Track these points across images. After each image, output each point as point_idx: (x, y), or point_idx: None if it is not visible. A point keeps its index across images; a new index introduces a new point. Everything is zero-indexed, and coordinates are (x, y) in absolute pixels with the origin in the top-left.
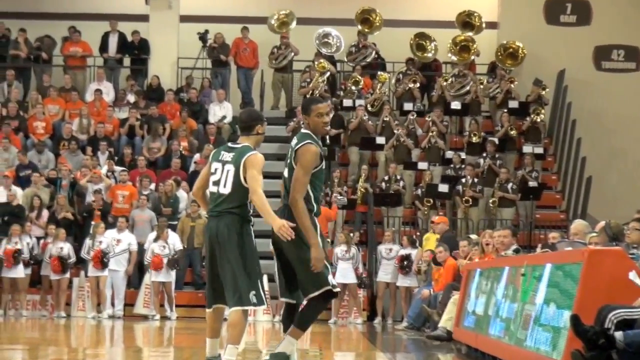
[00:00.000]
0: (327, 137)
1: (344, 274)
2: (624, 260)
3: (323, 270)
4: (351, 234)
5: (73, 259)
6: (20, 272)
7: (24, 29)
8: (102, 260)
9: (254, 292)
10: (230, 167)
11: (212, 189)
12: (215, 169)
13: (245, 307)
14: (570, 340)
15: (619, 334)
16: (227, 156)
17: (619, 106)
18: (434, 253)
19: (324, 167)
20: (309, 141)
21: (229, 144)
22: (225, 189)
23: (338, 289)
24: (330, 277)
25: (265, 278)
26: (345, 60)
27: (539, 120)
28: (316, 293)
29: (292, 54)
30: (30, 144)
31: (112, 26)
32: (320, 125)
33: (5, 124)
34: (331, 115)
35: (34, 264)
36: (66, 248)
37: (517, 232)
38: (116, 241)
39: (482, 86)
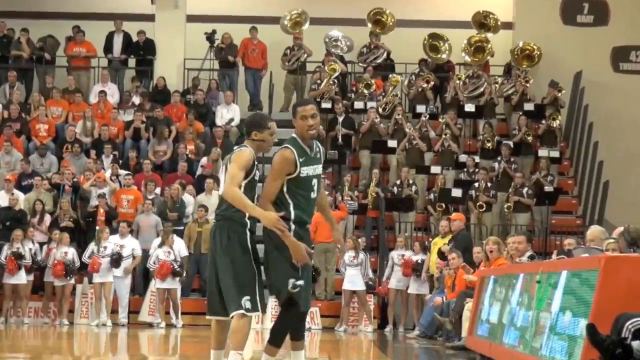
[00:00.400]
0: (339, 139)
1: (352, 280)
2: None
3: (286, 278)
4: (359, 240)
5: (77, 264)
6: (22, 278)
7: (26, 28)
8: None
9: (247, 297)
10: (224, 169)
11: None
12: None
13: (239, 312)
14: (587, 350)
15: (636, 344)
16: (227, 159)
17: (637, 109)
18: (442, 255)
19: (307, 173)
20: (285, 146)
21: (234, 148)
22: (221, 191)
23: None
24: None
25: None
26: (356, 61)
27: (555, 125)
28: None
29: (305, 55)
30: (32, 147)
31: (116, 26)
32: (305, 128)
33: (7, 126)
34: (317, 118)
35: (36, 270)
36: (70, 253)
37: (532, 238)
38: (119, 247)
39: (496, 85)
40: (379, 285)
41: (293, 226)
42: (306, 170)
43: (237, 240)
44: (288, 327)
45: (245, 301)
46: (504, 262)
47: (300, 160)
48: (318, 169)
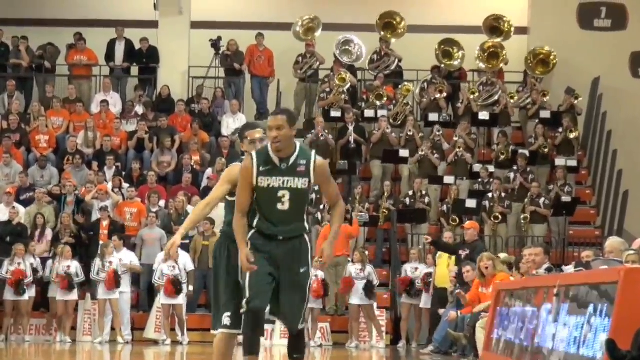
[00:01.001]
0: (351, 143)
1: (358, 294)
2: None
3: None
4: (366, 252)
5: (82, 277)
6: (23, 294)
7: (26, 36)
8: (116, 280)
9: (228, 314)
10: None
11: None
12: None
13: (217, 330)
14: None
15: None
16: None
17: None
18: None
19: (270, 185)
20: (250, 153)
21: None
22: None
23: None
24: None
25: None
26: (367, 68)
27: (572, 137)
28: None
29: (318, 63)
30: (32, 159)
31: (118, 33)
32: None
33: (6, 137)
34: (274, 134)
35: (40, 284)
36: (73, 266)
37: (549, 250)
38: (119, 260)
39: (512, 101)
40: (392, 299)
41: (251, 233)
42: (268, 181)
43: (222, 255)
44: (248, 331)
45: (226, 317)
46: (505, 277)
47: (261, 169)
48: (293, 182)
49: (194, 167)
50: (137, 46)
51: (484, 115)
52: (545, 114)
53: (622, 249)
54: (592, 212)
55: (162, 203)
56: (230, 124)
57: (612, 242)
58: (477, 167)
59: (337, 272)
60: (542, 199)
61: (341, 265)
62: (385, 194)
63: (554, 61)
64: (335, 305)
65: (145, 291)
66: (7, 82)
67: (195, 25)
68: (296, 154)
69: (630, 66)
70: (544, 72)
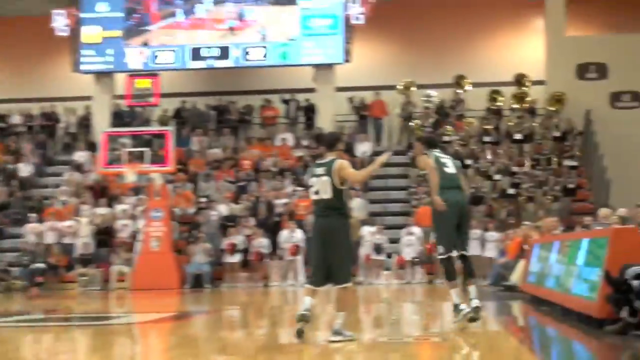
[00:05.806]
0: None
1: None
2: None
3: None
4: None
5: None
6: (235, 258)
7: (233, 101)
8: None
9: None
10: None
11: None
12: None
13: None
14: (603, 288)
15: (635, 282)
16: (320, 170)
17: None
18: None
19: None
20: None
21: (317, 161)
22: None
23: None
24: None
25: None
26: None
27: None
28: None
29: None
30: (241, 175)
31: (291, 97)
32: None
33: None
34: None
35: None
36: (264, 242)
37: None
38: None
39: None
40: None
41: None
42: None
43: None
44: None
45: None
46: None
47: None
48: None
49: None
50: (303, 104)
51: (517, 136)
52: (557, 134)
53: (609, 216)
54: (587, 193)
55: None
56: (360, 147)
57: (604, 211)
58: (514, 169)
59: None
60: (557, 186)
61: None
62: None
63: (564, 100)
64: None
65: None
66: (223, 129)
67: (339, 89)
68: None
69: (610, 102)
70: (559, 107)
